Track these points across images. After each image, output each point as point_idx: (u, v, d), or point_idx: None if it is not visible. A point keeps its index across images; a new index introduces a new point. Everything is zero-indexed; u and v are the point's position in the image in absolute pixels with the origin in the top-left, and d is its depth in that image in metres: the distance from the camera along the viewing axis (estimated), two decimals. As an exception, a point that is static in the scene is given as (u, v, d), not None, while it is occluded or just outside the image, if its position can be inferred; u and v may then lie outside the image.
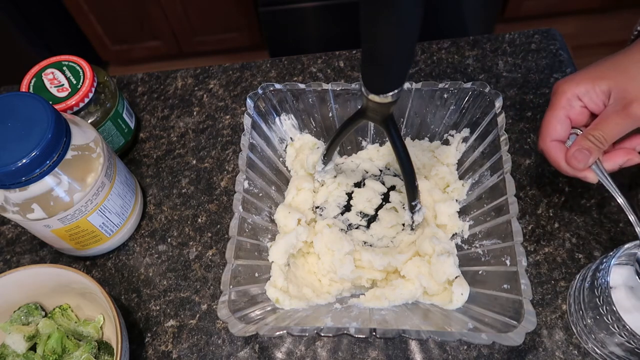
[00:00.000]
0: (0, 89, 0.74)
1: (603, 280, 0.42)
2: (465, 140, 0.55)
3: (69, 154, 0.47)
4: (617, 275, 0.44)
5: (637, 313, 0.42)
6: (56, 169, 0.46)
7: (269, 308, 0.48)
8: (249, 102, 0.54)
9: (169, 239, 0.59)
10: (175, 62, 1.77)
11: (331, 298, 0.50)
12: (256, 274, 0.49)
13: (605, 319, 0.42)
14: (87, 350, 0.49)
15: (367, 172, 0.59)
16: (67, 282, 0.50)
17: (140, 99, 0.71)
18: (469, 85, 0.52)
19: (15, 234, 0.61)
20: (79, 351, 0.49)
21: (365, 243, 0.54)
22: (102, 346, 0.50)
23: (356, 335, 0.41)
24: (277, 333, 0.42)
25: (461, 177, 0.55)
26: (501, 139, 0.49)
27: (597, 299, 0.43)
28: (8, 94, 0.47)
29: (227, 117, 0.67)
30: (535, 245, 0.54)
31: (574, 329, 0.49)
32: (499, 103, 0.51)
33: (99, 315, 0.52)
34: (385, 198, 0.57)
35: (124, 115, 0.63)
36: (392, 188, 0.57)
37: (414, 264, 0.49)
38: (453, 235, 0.52)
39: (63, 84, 0.57)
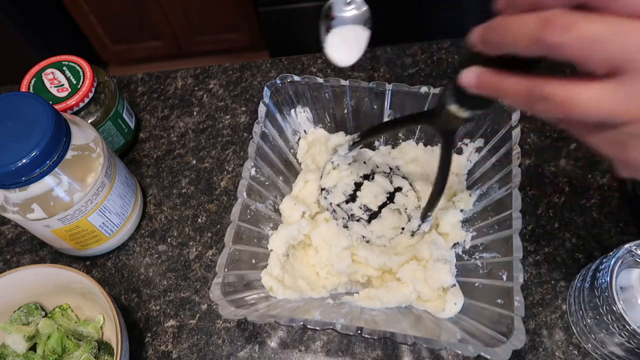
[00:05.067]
0: (0, 89, 0.74)
1: (603, 280, 0.42)
2: (478, 150, 0.55)
3: (69, 154, 0.47)
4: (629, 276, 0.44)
5: None
6: (56, 169, 0.46)
7: (262, 295, 0.49)
8: (266, 90, 0.54)
9: (169, 239, 0.59)
10: (175, 62, 1.77)
11: (325, 293, 0.51)
12: (253, 261, 0.50)
13: (605, 319, 0.42)
14: (87, 350, 0.49)
15: (377, 167, 0.58)
16: (67, 282, 0.50)
17: (140, 99, 0.71)
18: None
19: (15, 234, 0.61)
20: (79, 351, 0.49)
21: (363, 238, 0.54)
22: (102, 346, 0.50)
23: (342, 332, 0.42)
24: (266, 320, 0.43)
25: (469, 187, 0.54)
26: (513, 152, 0.48)
27: (597, 299, 0.43)
28: (8, 94, 0.47)
29: (227, 117, 0.67)
30: (535, 245, 0.54)
31: (574, 329, 0.49)
32: (516, 116, 0.50)
33: (99, 315, 0.52)
34: (390, 198, 0.57)
35: (124, 115, 0.63)
36: (399, 189, 0.57)
37: (410, 267, 0.49)
38: (455, 244, 0.51)
39: (63, 84, 0.57)
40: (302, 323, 0.42)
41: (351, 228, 0.53)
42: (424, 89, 0.52)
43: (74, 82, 0.57)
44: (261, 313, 0.43)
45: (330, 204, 0.54)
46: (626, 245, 0.43)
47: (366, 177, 0.57)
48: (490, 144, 0.53)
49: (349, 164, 0.56)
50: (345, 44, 0.54)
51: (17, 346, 0.49)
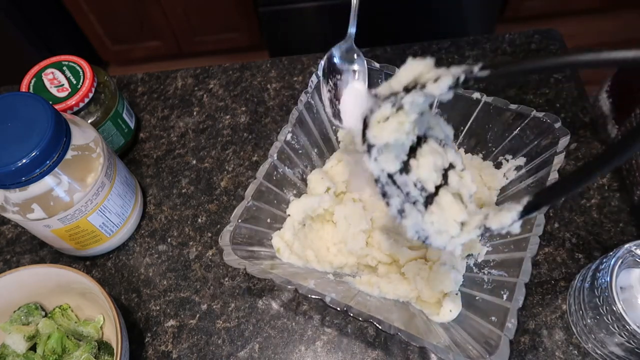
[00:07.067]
0: (0, 89, 0.74)
1: (603, 280, 0.42)
2: (517, 169, 0.53)
3: (69, 154, 0.47)
4: (628, 276, 0.44)
5: None
6: (56, 169, 0.46)
7: (268, 254, 0.51)
8: (322, 62, 0.54)
9: (169, 239, 0.59)
10: (175, 62, 1.77)
11: (329, 268, 0.52)
12: (269, 220, 0.52)
13: (605, 319, 0.42)
14: (87, 350, 0.49)
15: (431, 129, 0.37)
16: (67, 282, 0.50)
17: (140, 99, 0.71)
18: (540, 115, 0.49)
19: (15, 234, 0.61)
20: (79, 351, 0.49)
21: (422, 232, 0.36)
22: (102, 346, 0.50)
23: (330, 305, 0.43)
24: (264, 275, 0.45)
25: (498, 204, 0.53)
26: (550, 177, 0.47)
27: (597, 299, 0.43)
28: (8, 94, 0.47)
29: (227, 117, 0.67)
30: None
31: (574, 329, 0.49)
32: (563, 142, 0.48)
33: (99, 315, 0.52)
34: (443, 177, 0.37)
35: (124, 115, 0.63)
36: (451, 167, 0.37)
37: (417, 265, 0.49)
38: (468, 255, 0.51)
39: (63, 84, 0.57)
40: (294, 287, 0.44)
41: (408, 215, 0.36)
42: (476, 95, 0.52)
43: (74, 82, 0.57)
44: (261, 269, 0.45)
45: (382, 170, 0.35)
46: (626, 245, 0.43)
47: (419, 140, 0.36)
48: (531, 165, 0.51)
49: (421, 114, 0.34)
50: (353, 107, 0.50)
51: (17, 346, 0.49)
